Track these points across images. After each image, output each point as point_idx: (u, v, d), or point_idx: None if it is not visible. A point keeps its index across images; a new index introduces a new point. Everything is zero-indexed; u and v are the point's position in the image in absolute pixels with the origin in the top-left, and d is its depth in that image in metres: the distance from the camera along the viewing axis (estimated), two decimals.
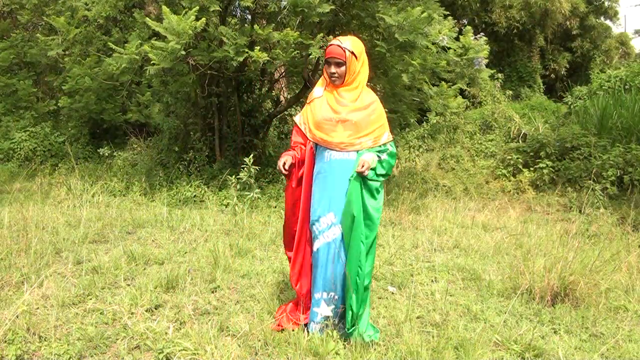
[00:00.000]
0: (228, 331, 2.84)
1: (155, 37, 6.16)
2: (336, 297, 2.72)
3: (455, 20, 7.63)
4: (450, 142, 11.12)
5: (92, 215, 5.33)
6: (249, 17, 7.91)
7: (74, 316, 2.95)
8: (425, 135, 11.44)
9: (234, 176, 6.27)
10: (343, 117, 2.67)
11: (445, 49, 7.18)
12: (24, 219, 4.54)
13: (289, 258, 2.88)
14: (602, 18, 16.75)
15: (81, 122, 10.80)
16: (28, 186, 8.00)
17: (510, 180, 8.94)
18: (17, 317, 2.72)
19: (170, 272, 3.53)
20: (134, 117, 8.95)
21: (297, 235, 2.81)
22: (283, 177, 7.31)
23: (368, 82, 2.87)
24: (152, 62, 5.77)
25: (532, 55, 15.28)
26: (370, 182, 2.64)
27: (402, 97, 7.56)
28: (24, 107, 10.29)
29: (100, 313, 2.99)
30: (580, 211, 6.32)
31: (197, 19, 5.63)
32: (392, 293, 3.57)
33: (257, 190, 6.19)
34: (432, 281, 3.86)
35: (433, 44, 6.79)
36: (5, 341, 2.55)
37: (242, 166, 6.14)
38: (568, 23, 15.29)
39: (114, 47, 6.22)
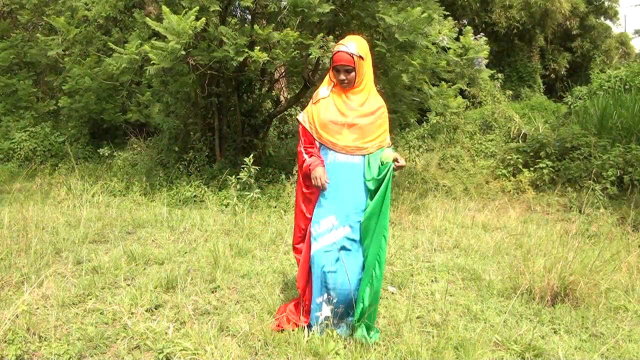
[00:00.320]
0: (228, 331, 2.84)
1: (155, 37, 6.16)
2: (335, 299, 2.72)
3: (455, 20, 7.63)
4: (450, 142, 11.12)
5: (92, 215, 5.33)
6: (249, 17, 7.91)
7: (74, 316, 2.95)
8: (425, 135, 11.44)
9: (234, 176, 6.27)
10: (350, 121, 2.66)
11: (445, 49, 7.18)
12: (24, 219, 4.54)
13: (297, 260, 2.86)
14: (602, 18, 16.75)
15: (81, 122, 10.81)
16: (28, 186, 8.00)
17: (510, 180, 8.94)
18: (17, 317, 2.72)
19: (170, 272, 3.53)
20: (134, 117, 8.95)
21: (308, 235, 2.80)
22: (283, 177, 7.35)
23: None
24: (152, 62, 5.77)
25: (532, 55, 15.29)
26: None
27: (402, 97, 7.56)
28: (24, 107, 10.30)
29: (100, 313, 2.99)
30: (580, 211, 6.32)
31: (197, 18, 5.63)
32: (392, 293, 3.57)
33: (257, 190, 6.19)
34: (432, 281, 3.86)
35: (433, 44, 6.78)
36: (5, 341, 2.55)
37: (242, 166, 6.14)
38: (568, 23, 15.30)
39: (114, 47, 6.22)
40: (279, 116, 9.06)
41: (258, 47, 5.93)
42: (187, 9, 5.72)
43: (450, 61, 7.04)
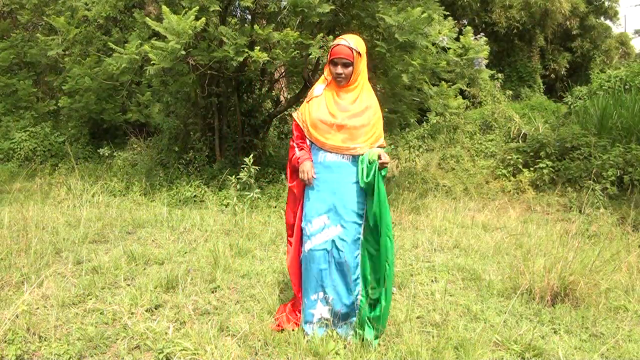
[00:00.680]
0: (228, 331, 2.84)
1: (155, 37, 6.16)
2: (331, 298, 2.71)
3: (455, 21, 7.63)
4: (450, 142, 11.12)
5: (92, 215, 5.33)
6: (249, 17, 7.91)
7: (74, 316, 2.95)
8: (425, 135, 11.44)
9: (234, 176, 6.27)
10: (339, 123, 2.64)
11: (445, 49, 7.18)
12: (24, 219, 4.54)
13: (289, 243, 2.88)
14: (602, 18, 16.76)
15: (81, 122, 10.81)
16: (28, 186, 8.00)
17: (510, 180, 8.93)
18: (17, 317, 2.72)
19: (170, 272, 3.53)
20: (134, 117, 8.95)
21: (295, 231, 2.83)
22: (283, 177, 7.35)
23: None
24: (152, 62, 5.77)
25: (532, 55, 15.29)
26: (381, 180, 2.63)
27: (402, 97, 7.56)
28: (24, 107, 10.29)
29: (100, 313, 2.99)
30: (580, 211, 6.32)
31: (197, 18, 5.63)
32: (392, 293, 3.57)
33: (257, 190, 6.19)
34: (432, 281, 3.86)
35: (433, 44, 6.78)
36: (5, 341, 2.55)
37: (242, 166, 6.14)
38: (568, 23, 15.31)
39: (114, 47, 6.22)
40: (279, 116, 9.05)
41: (258, 47, 5.93)
42: (187, 9, 5.72)
43: (450, 61, 7.04)
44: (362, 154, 2.64)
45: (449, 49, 7.10)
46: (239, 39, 5.99)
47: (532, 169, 8.87)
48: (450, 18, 7.18)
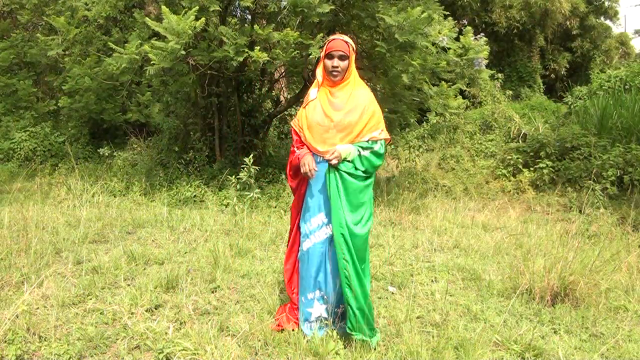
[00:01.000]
0: (228, 331, 2.84)
1: (155, 37, 6.16)
2: (326, 296, 2.72)
3: (455, 21, 7.62)
4: (450, 142, 11.12)
5: (92, 215, 5.33)
6: (249, 17, 7.91)
7: (74, 316, 2.94)
8: (425, 135, 11.44)
9: (234, 176, 6.27)
10: (337, 122, 2.63)
11: (445, 49, 7.17)
12: (24, 219, 4.54)
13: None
14: (602, 18, 16.77)
15: (81, 122, 10.81)
16: (28, 186, 8.00)
17: (510, 180, 8.93)
18: (17, 317, 2.72)
19: (170, 272, 3.53)
20: (134, 117, 8.95)
21: (293, 232, 2.85)
22: (283, 177, 7.35)
23: (368, 82, 2.86)
24: (152, 62, 5.77)
25: (532, 55, 15.29)
26: (347, 177, 2.59)
27: (402, 97, 7.55)
28: (24, 107, 10.29)
29: (100, 313, 2.99)
30: (580, 211, 6.32)
31: (197, 18, 5.63)
32: (392, 293, 3.57)
33: (257, 190, 6.19)
34: (432, 281, 3.86)
35: (433, 44, 6.78)
36: (5, 341, 2.55)
37: (242, 166, 6.14)
38: (568, 23, 15.31)
39: (114, 47, 6.22)
40: (279, 116, 9.06)
41: (258, 47, 5.93)
42: (186, 9, 5.72)
43: (450, 61, 7.04)
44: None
45: (449, 49, 7.10)
46: (239, 39, 5.99)
47: (532, 169, 8.87)
48: (450, 18, 7.18)
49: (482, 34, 10.67)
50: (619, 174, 7.67)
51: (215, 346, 2.55)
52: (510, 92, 13.96)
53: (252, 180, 6.13)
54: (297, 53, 6.30)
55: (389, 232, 5.38)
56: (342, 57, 2.62)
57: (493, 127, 11.36)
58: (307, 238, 2.73)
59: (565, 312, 3.28)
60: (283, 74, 9.34)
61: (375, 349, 2.66)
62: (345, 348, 2.65)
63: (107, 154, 9.34)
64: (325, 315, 2.74)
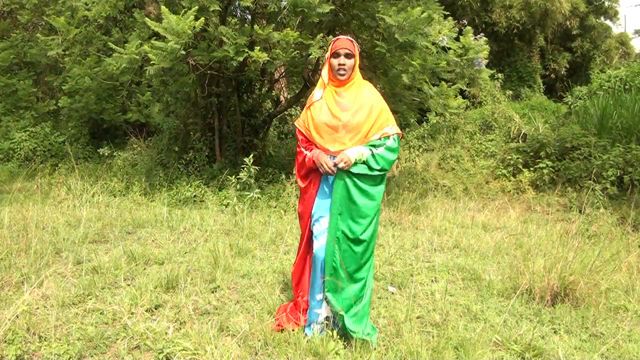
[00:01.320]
0: (228, 331, 2.84)
1: (155, 37, 6.16)
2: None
3: (455, 20, 7.63)
4: (450, 142, 11.11)
5: (92, 215, 5.33)
6: (249, 17, 7.91)
7: (74, 316, 2.94)
8: (425, 135, 11.44)
9: (234, 176, 6.28)
10: (345, 122, 2.63)
11: (445, 49, 7.18)
12: (24, 219, 4.54)
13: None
14: (602, 18, 16.75)
15: (81, 122, 10.81)
16: (28, 186, 8.00)
17: (510, 180, 8.93)
18: (17, 317, 2.72)
19: (170, 272, 3.53)
20: (134, 117, 8.96)
21: (305, 239, 2.81)
22: (283, 177, 7.35)
23: (368, 81, 2.86)
24: (152, 62, 5.78)
25: (532, 55, 15.28)
26: (360, 182, 2.60)
27: (402, 97, 7.56)
28: (24, 107, 10.30)
29: (100, 313, 2.98)
30: (580, 211, 6.32)
31: (196, 18, 5.62)
32: (392, 293, 3.57)
33: (257, 190, 6.19)
34: (432, 281, 3.86)
35: (433, 44, 6.78)
36: (5, 341, 2.55)
37: (242, 166, 6.15)
38: (568, 23, 15.30)
39: (114, 47, 6.23)
40: (279, 116, 9.06)
41: (258, 47, 5.93)
42: (186, 9, 5.72)
43: (450, 61, 7.04)
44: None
45: (449, 49, 7.10)
46: (239, 39, 5.99)
47: (532, 169, 8.87)
48: (450, 18, 7.18)
49: (482, 34, 10.67)
50: (619, 174, 7.67)
51: (215, 346, 2.55)
52: (510, 92, 13.95)
53: (252, 180, 6.13)
54: (297, 53, 6.30)
55: (389, 232, 5.38)
56: (348, 55, 2.64)
57: (493, 127, 11.35)
58: (316, 239, 2.71)
59: (565, 312, 3.28)
60: (283, 74, 9.34)
61: (375, 349, 2.66)
62: (345, 348, 2.65)
63: (107, 154, 9.35)
64: (330, 315, 2.74)
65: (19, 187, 7.77)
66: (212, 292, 3.43)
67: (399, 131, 2.72)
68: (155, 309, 3.09)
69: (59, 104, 8.76)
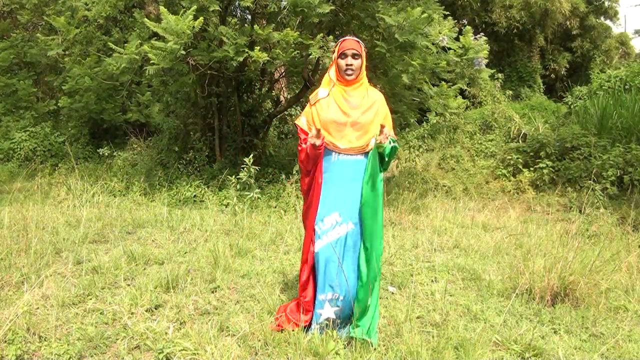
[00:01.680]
0: (228, 331, 2.84)
1: (155, 37, 6.17)
2: (341, 297, 2.71)
3: (455, 20, 7.62)
4: (450, 142, 11.11)
5: (92, 215, 5.33)
6: (249, 17, 7.91)
7: (74, 316, 2.94)
8: (425, 135, 11.44)
9: (234, 176, 6.28)
10: (354, 120, 2.67)
11: (445, 49, 7.18)
12: (24, 219, 4.54)
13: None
14: (602, 18, 16.76)
15: (81, 122, 10.81)
16: (28, 186, 8.00)
17: (510, 180, 8.93)
18: (17, 317, 2.72)
19: (170, 272, 3.53)
20: (134, 117, 8.96)
21: (308, 232, 2.80)
22: (283, 177, 7.34)
23: (368, 82, 2.88)
24: (151, 62, 5.78)
25: (532, 55, 15.28)
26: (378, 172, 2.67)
27: (402, 97, 7.56)
28: (24, 107, 10.29)
29: (100, 313, 2.98)
30: (580, 211, 6.32)
31: (195, 18, 5.62)
32: (392, 293, 3.57)
33: (257, 190, 6.19)
34: (432, 281, 3.86)
35: (433, 44, 6.78)
36: (5, 341, 2.55)
37: (242, 166, 6.15)
38: (568, 23, 15.30)
39: (114, 47, 6.23)
40: (279, 116, 9.06)
41: (258, 47, 5.93)
42: (186, 9, 5.72)
43: (450, 61, 7.04)
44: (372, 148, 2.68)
45: (449, 49, 7.10)
46: (239, 39, 5.99)
47: (532, 169, 8.87)
48: (450, 18, 7.18)
49: (482, 33, 10.65)
50: (619, 174, 7.66)
51: (215, 346, 2.55)
52: (510, 92, 13.95)
53: (252, 180, 6.13)
54: (297, 53, 6.30)
55: (389, 232, 5.38)
56: (355, 56, 2.69)
57: (493, 127, 11.35)
58: (320, 239, 2.70)
59: (565, 312, 3.28)
60: (283, 74, 9.34)
61: (375, 349, 2.66)
62: (345, 348, 2.65)
63: (107, 154, 9.35)
64: (333, 317, 2.73)
65: (19, 187, 7.77)
66: (212, 292, 3.43)
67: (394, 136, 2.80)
68: (155, 309, 3.09)
69: (59, 104, 8.75)
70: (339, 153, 2.69)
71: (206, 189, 7.09)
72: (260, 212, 6.22)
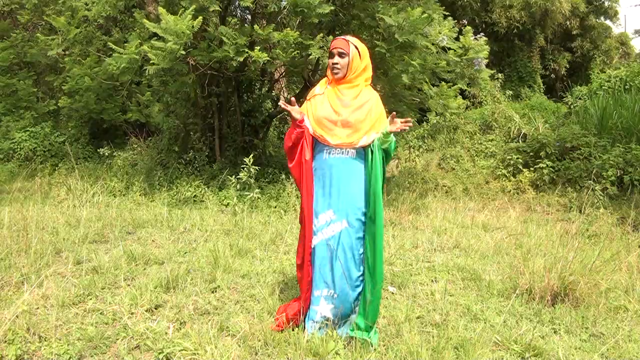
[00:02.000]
0: (228, 331, 2.84)
1: (155, 37, 6.17)
2: (336, 295, 2.71)
3: (455, 21, 7.63)
4: (450, 142, 11.11)
5: (92, 215, 5.33)
6: (249, 17, 7.92)
7: (74, 316, 2.94)
8: (425, 135, 11.44)
9: (234, 176, 6.28)
10: (343, 118, 2.68)
11: (445, 49, 7.18)
12: (24, 219, 4.54)
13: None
14: (602, 18, 16.77)
15: (81, 122, 10.81)
16: (28, 186, 8.00)
17: (510, 180, 8.93)
18: (17, 317, 2.72)
19: (170, 272, 3.53)
20: (134, 117, 8.96)
21: (306, 228, 2.77)
22: (283, 177, 7.34)
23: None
24: (151, 62, 5.78)
25: (532, 55, 15.29)
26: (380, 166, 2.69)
27: (402, 97, 7.56)
28: (24, 107, 10.30)
29: (100, 313, 2.99)
30: (580, 211, 6.32)
31: (195, 18, 5.62)
32: (392, 293, 3.57)
33: (257, 190, 6.19)
34: (432, 281, 3.86)
35: (433, 44, 6.79)
36: (5, 341, 2.55)
37: (242, 166, 6.15)
38: (568, 23, 15.31)
39: (114, 47, 6.23)
40: (279, 116, 9.05)
41: (258, 47, 5.93)
42: (185, 9, 5.72)
43: (450, 61, 7.04)
44: (367, 145, 2.68)
45: (449, 49, 7.10)
46: (239, 39, 5.99)
47: (532, 169, 8.87)
48: (450, 18, 7.18)
49: (482, 34, 10.66)
50: (619, 174, 7.66)
51: (215, 346, 2.55)
52: (510, 92, 13.95)
53: (252, 180, 6.13)
54: (297, 53, 6.30)
55: (389, 232, 5.38)
56: (341, 54, 2.71)
57: (493, 127, 11.35)
58: (315, 235, 2.72)
59: (565, 312, 3.28)
60: (283, 74, 9.34)
61: (375, 349, 2.66)
62: (345, 348, 2.65)
63: (107, 154, 9.35)
64: (329, 315, 2.73)
65: (19, 187, 7.77)
66: (212, 292, 3.43)
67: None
68: (155, 309, 3.09)
69: (59, 104, 8.76)
70: (330, 152, 2.71)
71: (206, 189, 7.09)
72: (260, 212, 6.23)
